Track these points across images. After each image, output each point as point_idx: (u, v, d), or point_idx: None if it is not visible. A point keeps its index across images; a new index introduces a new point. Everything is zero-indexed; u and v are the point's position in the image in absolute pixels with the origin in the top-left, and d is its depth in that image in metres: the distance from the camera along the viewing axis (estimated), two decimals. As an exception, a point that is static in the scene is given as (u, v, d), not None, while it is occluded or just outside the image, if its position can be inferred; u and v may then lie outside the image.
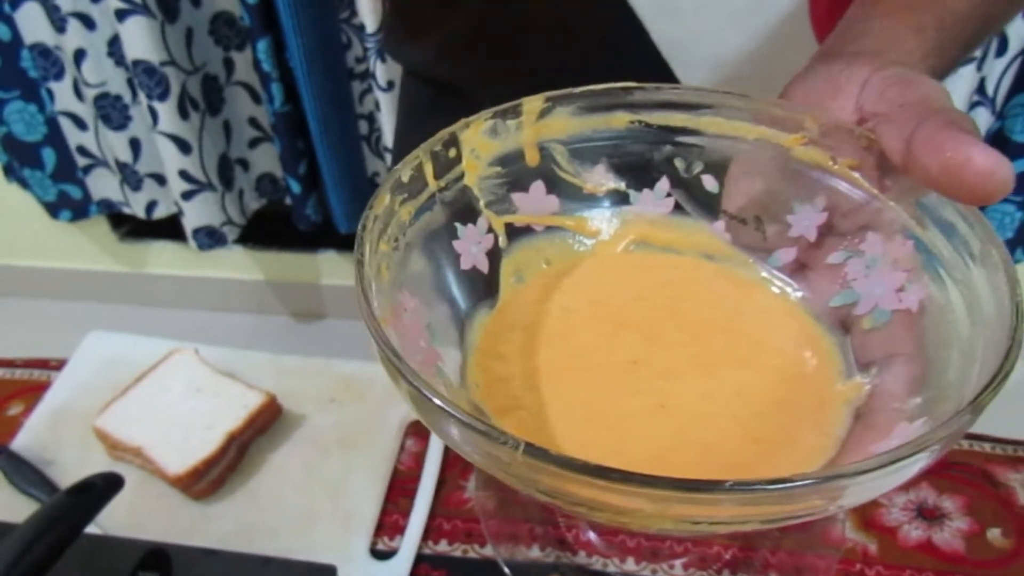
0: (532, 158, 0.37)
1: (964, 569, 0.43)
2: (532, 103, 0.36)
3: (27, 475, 0.49)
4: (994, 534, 0.45)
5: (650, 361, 0.34)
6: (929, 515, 0.46)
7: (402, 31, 0.59)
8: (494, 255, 0.37)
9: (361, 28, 1.15)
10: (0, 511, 0.47)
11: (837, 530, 0.45)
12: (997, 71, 1.08)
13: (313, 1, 1.13)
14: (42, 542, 0.36)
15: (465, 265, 0.36)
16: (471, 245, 0.36)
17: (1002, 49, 1.07)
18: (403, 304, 0.32)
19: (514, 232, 0.38)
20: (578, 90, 0.36)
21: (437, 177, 0.35)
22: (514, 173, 0.37)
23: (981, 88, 1.10)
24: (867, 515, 0.46)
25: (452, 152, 0.35)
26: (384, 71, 1.15)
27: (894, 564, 0.44)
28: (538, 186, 0.38)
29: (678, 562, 0.44)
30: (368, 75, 1.20)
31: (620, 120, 0.37)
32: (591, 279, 0.38)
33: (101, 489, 0.39)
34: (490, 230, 0.37)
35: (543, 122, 0.37)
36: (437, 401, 0.24)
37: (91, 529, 0.40)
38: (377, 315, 0.27)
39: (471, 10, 0.51)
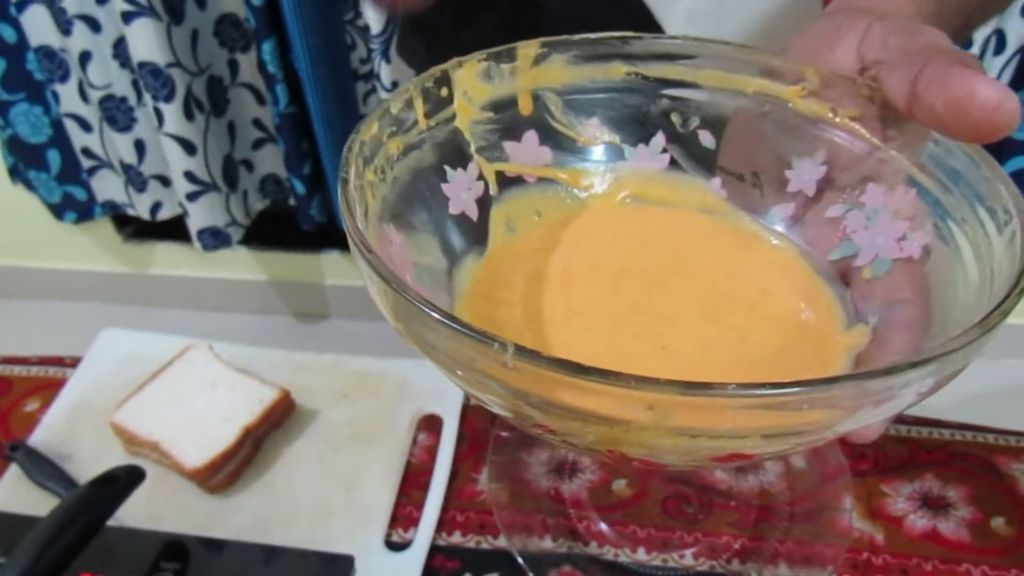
0: (526, 106, 0.37)
1: (969, 557, 0.44)
2: (527, 47, 0.35)
3: (45, 470, 0.50)
4: (998, 523, 0.46)
5: (652, 305, 0.34)
6: (934, 505, 0.47)
7: (418, 43, 0.59)
8: (484, 203, 0.36)
9: (366, 29, 1.16)
10: (19, 505, 0.48)
11: (844, 520, 0.46)
12: (995, 69, 1.09)
13: (318, 2, 1.14)
14: (68, 532, 0.36)
15: (454, 210, 0.35)
16: (461, 191, 0.35)
17: (1000, 47, 1.08)
18: (389, 237, 0.31)
19: (505, 181, 0.37)
20: (575, 37, 0.36)
21: (428, 116, 0.34)
22: (507, 120, 0.36)
23: (981, 86, 1.11)
24: (873, 505, 0.47)
25: (444, 91, 0.34)
26: (389, 72, 1.16)
27: (901, 553, 0.45)
28: (531, 136, 0.37)
29: (688, 552, 0.45)
30: (372, 76, 1.20)
31: (617, 71, 0.37)
32: (588, 229, 0.38)
33: (124, 481, 0.40)
34: (480, 177, 0.36)
35: (538, 69, 0.36)
36: (420, 305, 0.23)
37: (110, 522, 0.41)
38: (363, 230, 0.26)
39: (490, 25, 0.51)
